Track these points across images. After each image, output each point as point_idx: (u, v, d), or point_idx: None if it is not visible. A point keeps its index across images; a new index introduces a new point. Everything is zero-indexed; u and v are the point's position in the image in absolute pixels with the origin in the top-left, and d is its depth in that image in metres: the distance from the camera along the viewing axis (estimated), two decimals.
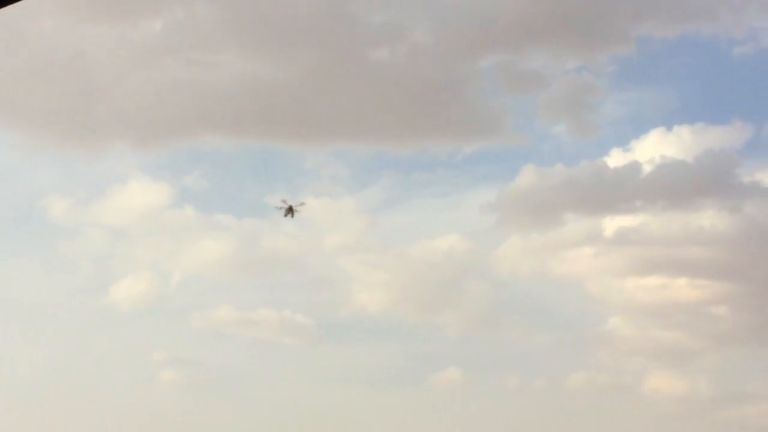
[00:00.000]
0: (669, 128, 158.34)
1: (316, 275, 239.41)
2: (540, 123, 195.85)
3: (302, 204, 61.81)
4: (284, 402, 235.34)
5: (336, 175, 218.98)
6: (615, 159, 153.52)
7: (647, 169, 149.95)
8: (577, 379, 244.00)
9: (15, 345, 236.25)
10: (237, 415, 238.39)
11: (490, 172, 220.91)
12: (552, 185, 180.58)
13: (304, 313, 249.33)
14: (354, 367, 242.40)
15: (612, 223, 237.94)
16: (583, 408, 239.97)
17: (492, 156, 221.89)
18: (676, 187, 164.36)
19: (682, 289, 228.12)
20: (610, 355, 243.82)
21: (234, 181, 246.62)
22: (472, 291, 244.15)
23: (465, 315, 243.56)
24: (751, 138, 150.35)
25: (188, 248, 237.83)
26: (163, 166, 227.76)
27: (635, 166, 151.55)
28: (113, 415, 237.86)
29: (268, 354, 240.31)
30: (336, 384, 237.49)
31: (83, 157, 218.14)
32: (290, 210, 60.95)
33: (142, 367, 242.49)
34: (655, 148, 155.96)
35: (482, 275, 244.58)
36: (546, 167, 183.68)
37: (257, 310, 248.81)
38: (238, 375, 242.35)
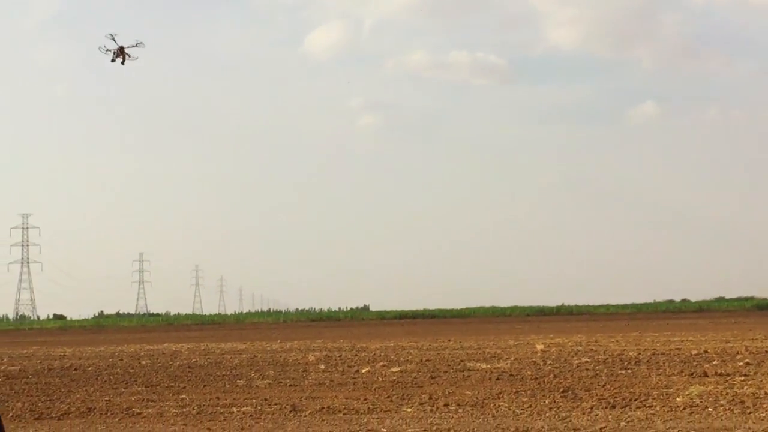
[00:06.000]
0: None
1: (507, 15, 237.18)
2: None
3: (139, 44, 39.99)
4: (479, 142, 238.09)
5: None
6: None
7: None
8: None
9: (221, 99, 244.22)
10: (433, 156, 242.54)
11: None
12: None
13: (497, 53, 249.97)
14: (548, 106, 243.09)
15: None
16: None
17: None
18: None
19: None
20: None
21: None
22: (667, 22, 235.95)
23: (661, 47, 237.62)
24: None
25: None
26: None
27: None
28: (316, 159, 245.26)
29: (462, 96, 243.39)
30: (530, 123, 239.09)
31: None
32: (121, 53, 38.66)
33: (341, 113, 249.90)
34: None
35: (678, 5, 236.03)
36: None
37: (450, 52, 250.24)
38: (433, 117, 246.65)
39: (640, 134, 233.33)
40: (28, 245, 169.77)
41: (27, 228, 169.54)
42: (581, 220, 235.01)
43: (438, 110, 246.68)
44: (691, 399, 17.76)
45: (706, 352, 29.98)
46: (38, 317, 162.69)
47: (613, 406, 17.24)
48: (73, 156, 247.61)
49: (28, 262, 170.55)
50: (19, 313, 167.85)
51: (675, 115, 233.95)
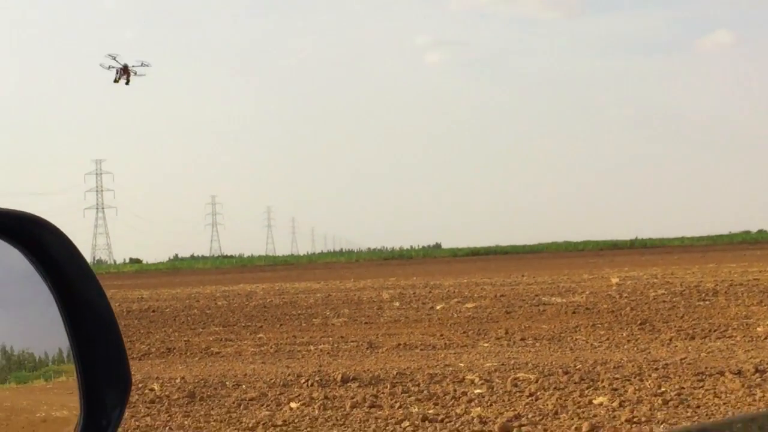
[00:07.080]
0: None
1: None
2: None
3: (144, 66, 39.17)
4: (547, 76, 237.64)
5: None
6: None
7: None
8: None
9: (288, 40, 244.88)
10: (502, 91, 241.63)
11: None
12: None
13: None
14: (617, 37, 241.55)
15: None
16: None
17: None
18: None
19: None
20: None
21: None
22: None
23: None
24: None
25: None
26: None
27: None
28: (384, 98, 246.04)
29: (530, 30, 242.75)
30: (597, 55, 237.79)
31: None
32: (125, 72, 38.76)
33: (407, 51, 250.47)
34: None
35: None
36: None
37: None
38: (500, 53, 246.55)
39: (712, 63, 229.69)
40: (102, 191, 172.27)
41: (101, 174, 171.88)
42: (653, 151, 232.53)
43: (505, 45, 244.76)
44: None
45: None
46: (114, 261, 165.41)
47: (692, 337, 17.08)
48: (144, 100, 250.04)
49: (102, 208, 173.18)
50: (96, 258, 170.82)
51: (748, 42, 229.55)
